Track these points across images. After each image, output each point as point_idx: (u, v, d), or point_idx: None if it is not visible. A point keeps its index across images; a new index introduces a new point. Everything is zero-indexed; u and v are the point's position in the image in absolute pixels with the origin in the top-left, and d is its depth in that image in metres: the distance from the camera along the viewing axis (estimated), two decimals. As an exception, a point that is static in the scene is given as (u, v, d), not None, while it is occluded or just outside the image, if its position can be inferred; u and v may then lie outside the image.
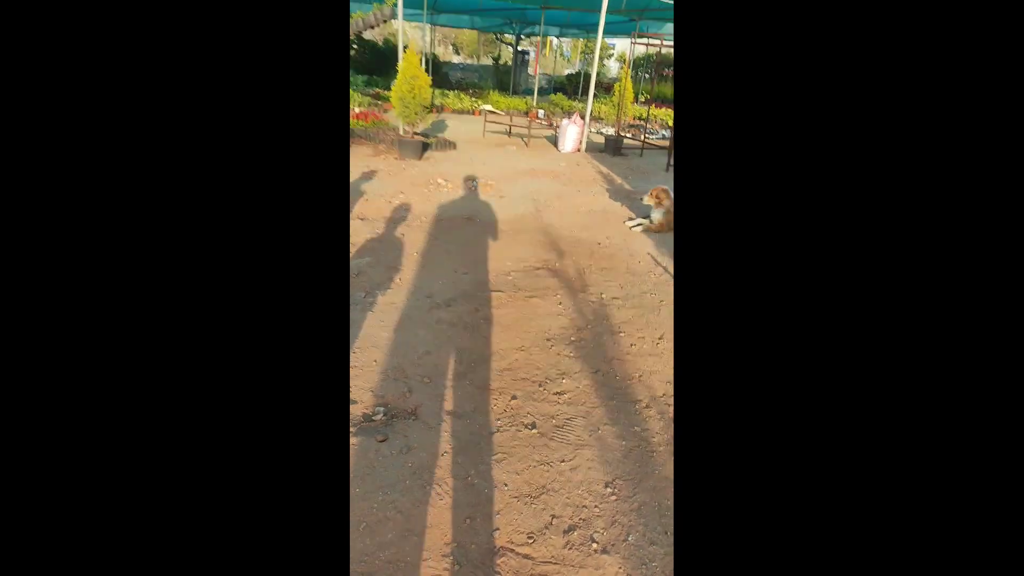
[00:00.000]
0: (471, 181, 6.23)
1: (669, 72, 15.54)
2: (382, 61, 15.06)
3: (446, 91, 13.72)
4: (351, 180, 5.82)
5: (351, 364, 2.51)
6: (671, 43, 9.28)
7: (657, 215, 5.01)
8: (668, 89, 16.05)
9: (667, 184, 6.77)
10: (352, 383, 2.38)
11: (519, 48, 17.33)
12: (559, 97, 14.69)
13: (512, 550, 1.65)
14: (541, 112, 12.28)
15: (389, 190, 5.59)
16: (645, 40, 9.62)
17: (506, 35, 17.69)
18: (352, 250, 3.96)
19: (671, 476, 2.00)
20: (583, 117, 9.13)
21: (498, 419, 2.22)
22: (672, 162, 8.18)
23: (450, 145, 8.04)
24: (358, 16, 6.32)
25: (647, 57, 18.66)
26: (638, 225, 5.07)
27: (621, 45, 23.56)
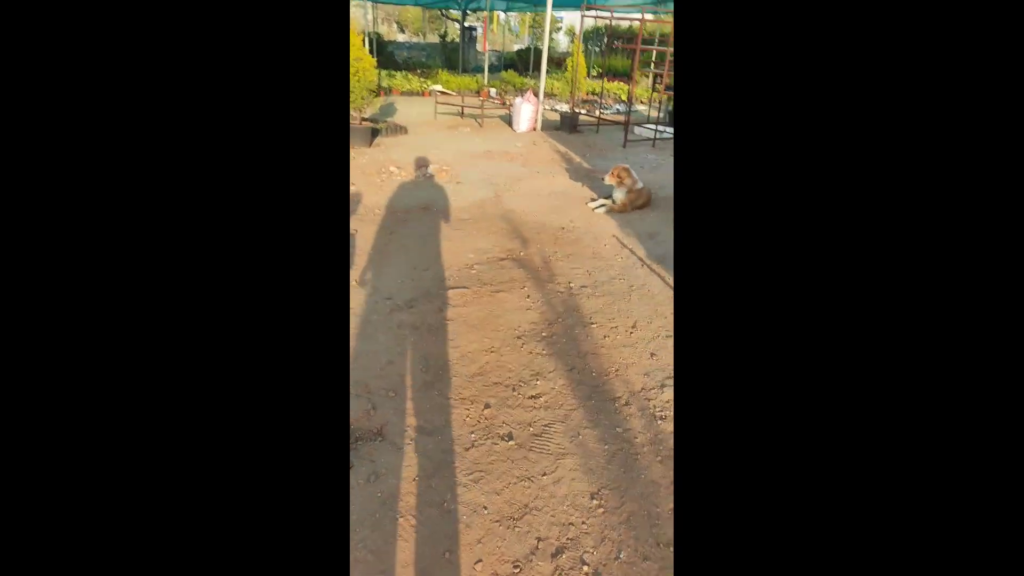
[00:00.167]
0: (425, 167, 5.98)
1: (619, 45, 15.37)
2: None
3: (393, 72, 13.21)
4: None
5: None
6: (621, 15, 9.12)
7: (619, 195, 4.90)
8: (619, 62, 15.92)
9: (626, 161, 6.69)
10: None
11: (466, 24, 16.84)
12: (510, 74, 14.36)
13: (497, 583, 1.52)
14: (493, 91, 11.98)
15: (339, 181, 5.29)
16: (594, 13, 9.42)
17: (452, 11, 17.17)
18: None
19: (657, 480, 1.90)
20: (537, 95, 8.91)
21: (472, 432, 2.07)
22: (629, 138, 8.09)
23: (401, 130, 7.72)
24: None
25: (596, 30, 18.45)
26: (601, 206, 4.95)
27: (570, 18, 23.24)
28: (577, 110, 9.20)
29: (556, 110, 10.64)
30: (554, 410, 2.22)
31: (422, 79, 12.72)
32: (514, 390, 2.33)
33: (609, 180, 4.93)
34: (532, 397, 2.29)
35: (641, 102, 12.40)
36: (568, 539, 1.66)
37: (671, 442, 2.05)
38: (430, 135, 7.74)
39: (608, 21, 9.02)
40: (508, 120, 9.25)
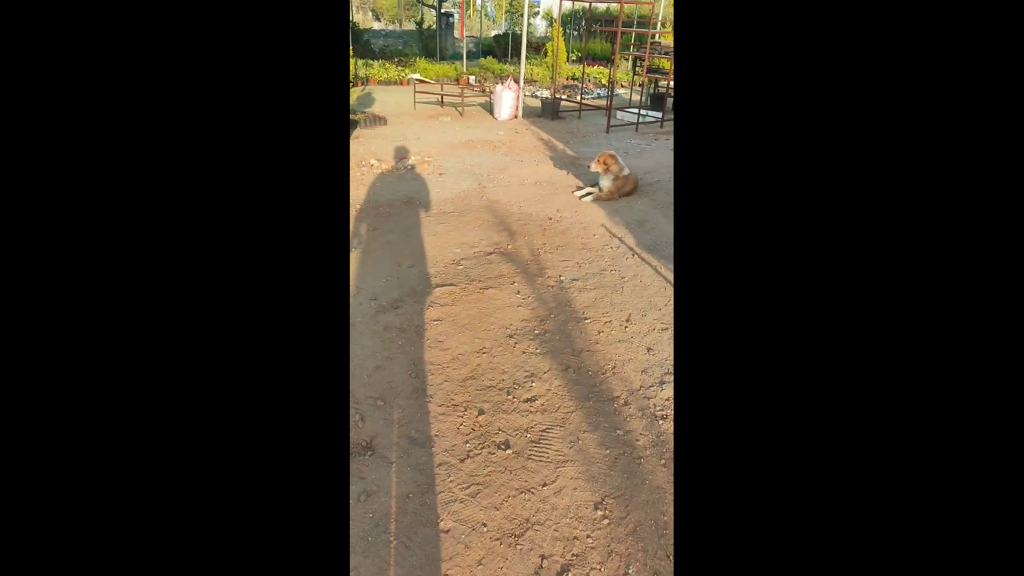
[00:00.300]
0: (406, 159, 5.82)
1: (598, 28, 15.18)
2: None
3: (370, 61, 12.89)
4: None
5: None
6: (600, -3, 8.95)
7: (606, 182, 4.79)
8: (598, 46, 15.74)
9: (610, 147, 6.57)
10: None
11: (442, 10, 16.51)
12: (489, 61, 14.12)
13: (501, 607, 1.43)
14: (472, 78, 11.76)
15: (317, 176, 5.11)
16: (574, -5, 9.25)
17: (427, -3, 16.82)
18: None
19: (662, 485, 1.82)
20: (517, 81, 8.74)
21: (466, 441, 1.97)
22: (611, 123, 7.97)
23: (380, 120, 7.51)
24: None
25: (573, 13, 18.21)
26: (587, 194, 4.84)
27: (546, 2, 22.97)
28: (558, 96, 9.05)
29: (537, 96, 10.48)
30: (551, 413, 2.13)
31: (399, 67, 12.44)
32: (508, 393, 2.23)
33: (595, 167, 4.82)
34: (528, 400, 2.20)
35: (622, 86, 12.27)
36: (573, 555, 1.57)
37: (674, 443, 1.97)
38: (410, 125, 7.55)
39: (587, 4, 8.84)
40: (489, 108, 9.08)
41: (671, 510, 1.72)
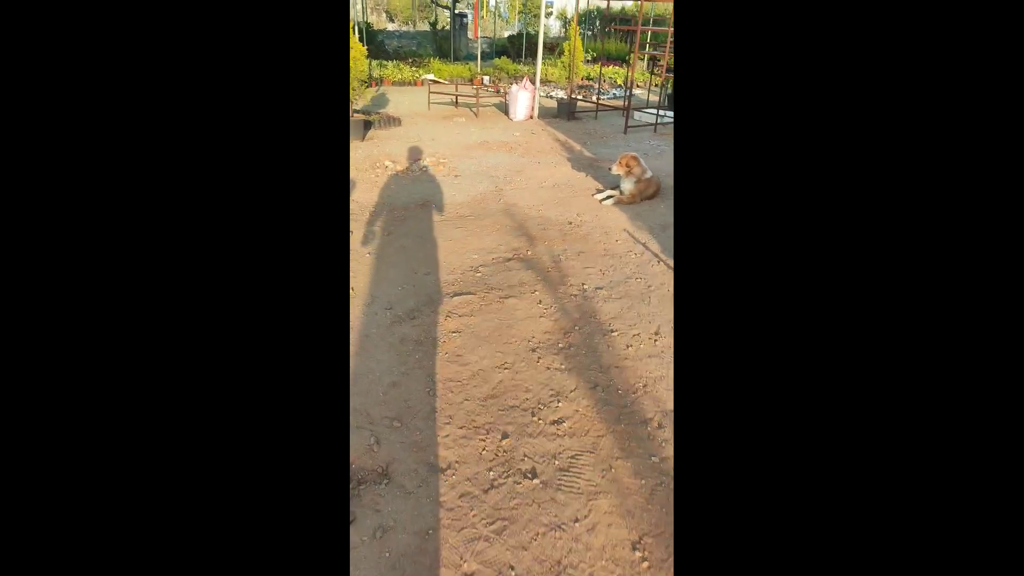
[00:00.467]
0: (421, 160, 5.69)
1: (614, 27, 14.98)
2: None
3: (384, 61, 12.80)
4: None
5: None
6: (618, -4, 8.76)
7: (628, 185, 4.62)
8: (613, 46, 15.55)
9: (628, 148, 6.40)
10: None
11: (456, 11, 16.39)
12: (503, 61, 13.97)
13: (532, 666, 1.28)
14: (486, 78, 11.63)
15: (330, 179, 4.99)
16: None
17: (441, -3, 16.70)
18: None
19: (706, 521, 1.65)
20: (533, 81, 8.58)
21: (490, 468, 1.82)
22: (629, 123, 7.79)
23: (394, 121, 7.40)
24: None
25: (587, 13, 18.03)
26: (608, 198, 4.68)
27: (560, 2, 22.78)
28: (575, 96, 8.88)
29: (552, 96, 10.31)
30: (580, 438, 1.97)
31: (414, 68, 12.34)
32: (533, 415, 2.08)
33: (616, 170, 4.65)
34: (554, 422, 2.04)
35: (638, 86, 12.07)
36: (611, 604, 1.42)
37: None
38: (425, 126, 7.43)
39: (602, 3, 8.66)
40: (503, 108, 8.94)
41: (717, 551, 1.56)
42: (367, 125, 6.77)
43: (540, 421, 2.05)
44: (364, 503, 1.66)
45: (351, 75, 6.28)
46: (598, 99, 8.97)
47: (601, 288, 3.11)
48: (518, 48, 16.28)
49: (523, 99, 8.19)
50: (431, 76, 11.38)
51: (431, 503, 1.67)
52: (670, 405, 2.16)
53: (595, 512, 1.67)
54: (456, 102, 9.23)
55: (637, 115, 8.58)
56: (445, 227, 3.96)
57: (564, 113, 8.48)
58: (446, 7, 17.11)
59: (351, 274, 3.17)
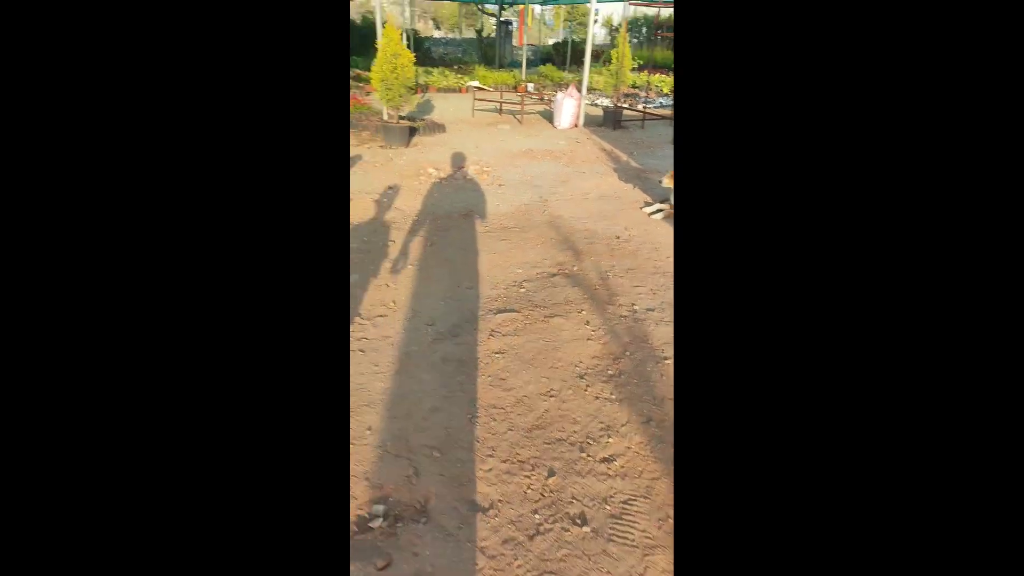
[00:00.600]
0: (465, 168, 5.61)
1: (660, 34, 14.71)
2: (360, 40, 14.15)
3: (430, 68, 12.89)
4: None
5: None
6: (669, 3, 8.55)
7: (679, 199, 4.43)
8: (660, 54, 15.26)
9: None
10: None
11: (502, 19, 16.40)
12: (549, 68, 13.87)
13: None
14: (531, 86, 11.54)
15: (374, 184, 4.96)
16: (643, 1, 8.88)
17: (488, 6, 16.75)
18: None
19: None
20: (579, 89, 8.44)
21: (535, 511, 1.68)
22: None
23: (439, 128, 7.37)
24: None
25: (635, 20, 17.78)
26: (657, 211, 4.49)
27: (605, 10, 22.56)
28: (621, 104, 8.69)
29: (597, 104, 10.14)
30: (633, 479, 1.81)
31: (459, 75, 12.36)
32: (582, 450, 1.93)
33: (668, 182, 4.46)
34: (604, 460, 1.89)
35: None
36: None
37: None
38: (469, 133, 7.38)
39: (655, 10, 8.47)
40: (549, 116, 8.82)
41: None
42: (412, 131, 6.75)
43: (589, 458, 1.90)
44: (402, 544, 1.54)
45: (399, 82, 6.27)
46: (645, 108, 8.75)
47: (652, 310, 2.93)
48: (563, 55, 16.17)
49: (569, 107, 8.05)
50: (476, 83, 11.36)
51: (472, 548, 1.54)
52: (731, 446, 1.98)
53: (651, 570, 1.51)
54: (500, 109, 9.16)
55: (686, 125, 8.33)
56: (488, 239, 3.85)
57: (610, 122, 8.30)
58: (492, 15, 17.14)
59: (393, 286, 3.08)
